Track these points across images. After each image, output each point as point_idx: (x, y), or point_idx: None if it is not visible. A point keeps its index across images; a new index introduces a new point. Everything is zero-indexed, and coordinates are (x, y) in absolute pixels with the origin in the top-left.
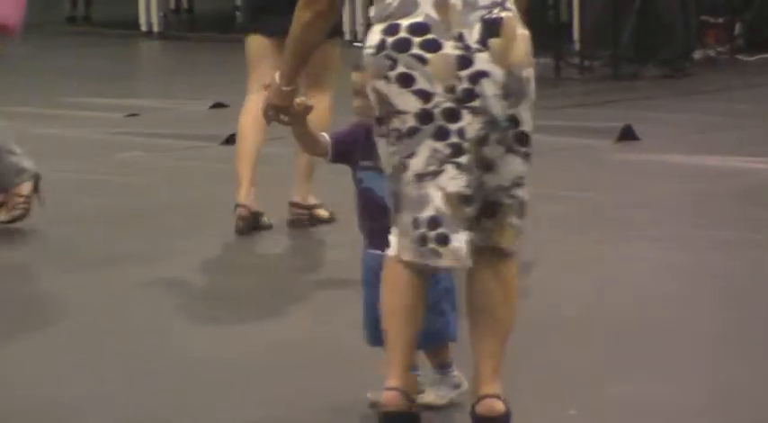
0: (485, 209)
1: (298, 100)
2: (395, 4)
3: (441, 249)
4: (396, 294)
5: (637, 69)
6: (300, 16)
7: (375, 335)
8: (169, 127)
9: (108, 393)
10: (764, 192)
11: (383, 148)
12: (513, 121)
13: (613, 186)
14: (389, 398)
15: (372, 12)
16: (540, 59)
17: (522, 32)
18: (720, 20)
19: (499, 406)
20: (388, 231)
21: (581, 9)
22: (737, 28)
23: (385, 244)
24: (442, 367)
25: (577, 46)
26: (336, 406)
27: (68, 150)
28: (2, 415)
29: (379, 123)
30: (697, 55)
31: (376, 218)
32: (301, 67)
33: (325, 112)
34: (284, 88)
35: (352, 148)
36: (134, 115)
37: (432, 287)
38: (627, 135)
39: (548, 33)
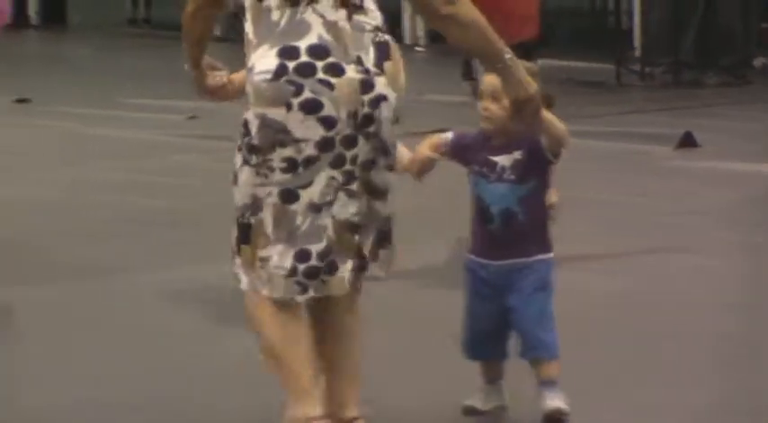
0: (380, 240)
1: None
2: (282, 23)
3: (328, 278)
4: (283, 334)
5: (697, 76)
6: (186, 8)
7: (475, 348)
8: (227, 129)
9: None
10: None
11: (248, 177)
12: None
13: (670, 192)
14: None
15: (250, 30)
16: (601, 65)
17: (401, 58)
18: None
19: None
20: (486, 239)
21: (642, 16)
22: None
23: (481, 251)
24: (544, 383)
25: (638, 52)
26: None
27: (125, 151)
28: (51, 415)
29: (251, 152)
30: (757, 62)
31: (480, 225)
32: (198, 54)
33: None
34: (192, 72)
35: (470, 150)
36: (193, 117)
37: (542, 295)
38: (687, 142)
39: (609, 39)
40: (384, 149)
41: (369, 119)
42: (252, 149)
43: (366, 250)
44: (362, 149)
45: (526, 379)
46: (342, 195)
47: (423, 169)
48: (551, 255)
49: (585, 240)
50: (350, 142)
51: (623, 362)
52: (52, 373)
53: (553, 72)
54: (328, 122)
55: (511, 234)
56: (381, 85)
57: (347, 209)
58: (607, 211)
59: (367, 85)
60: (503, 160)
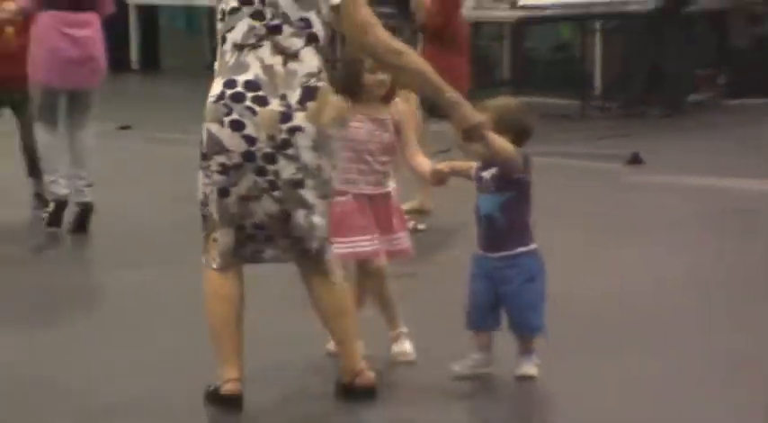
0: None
1: None
2: (231, 62)
3: (263, 249)
4: (222, 303)
5: (645, 110)
6: None
7: (472, 319)
8: None
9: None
10: (738, 204)
11: (201, 178)
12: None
13: (621, 197)
14: (234, 386)
15: (216, 67)
16: (569, 101)
17: (334, 100)
18: (708, 72)
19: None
20: (481, 237)
21: (602, 63)
22: (721, 78)
23: (480, 246)
24: (522, 353)
25: (598, 91)
26: None
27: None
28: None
29: (201, 158)
30: (691, 99)
31: (478, 226)
32: None
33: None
34: None
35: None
36: None
37: (530, 286)
38: (635, 160)
39: (576, 82)
40: (311, 173)
41: (287, 143)
42: (202, 156)
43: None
44: (285, 168)
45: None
46: (266, 196)
47: (440, 180)
48: (533, 246)
49: (557, 235)
50: (269, 158)
51: (587, 335)
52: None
53: (532, 106)
54: (249, 139)
55: (494, 233)
56: (299, 118)
57: (272, 207)
58: (570, 217)
59: (285, 117)
60: (486, 175)
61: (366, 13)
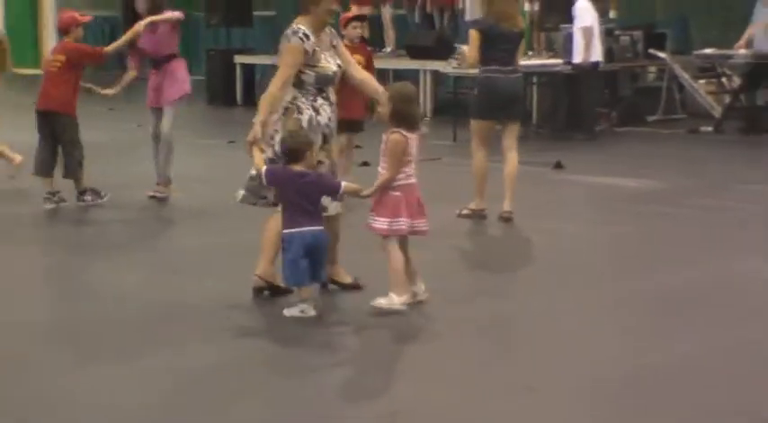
0: None
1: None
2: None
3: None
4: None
5: (567, 134)
6: (276, 88)
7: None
8: None
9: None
10: (624, 195)
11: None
12: None
13: (547, 191)
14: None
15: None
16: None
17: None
18: (605, 110)
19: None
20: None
21: (538, 101)
22: (613, 114)
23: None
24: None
25: (535, 120)
26: None
27: None
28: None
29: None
30: (598, 127)
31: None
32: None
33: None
34: (261, 127)
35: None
36: (233, 142)
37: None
38: (558, 165)
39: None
40: None
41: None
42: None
43: None
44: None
45: None
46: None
47: None
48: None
49: (518, 214)
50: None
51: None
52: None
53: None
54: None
55: None
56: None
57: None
58: (523, 199)
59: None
60: None
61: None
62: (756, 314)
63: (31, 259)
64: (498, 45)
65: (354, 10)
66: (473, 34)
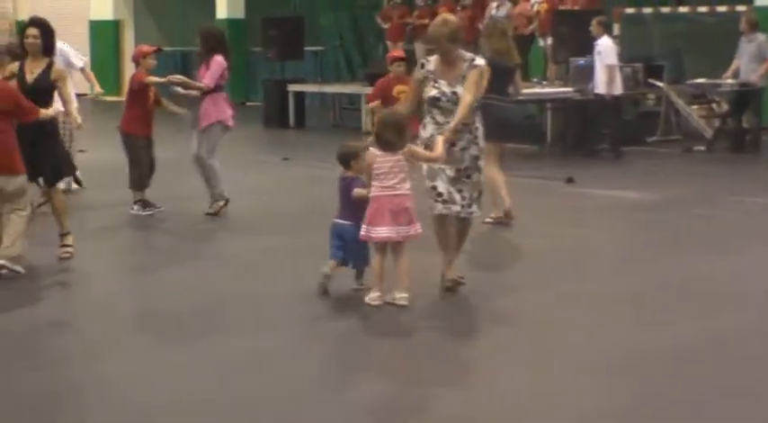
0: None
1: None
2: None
3: (450, 205)
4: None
5: (574, 152)
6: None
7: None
8: None
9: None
10: (628, 205)
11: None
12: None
13: (560, 202)
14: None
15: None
16: (532, 147)
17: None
18: (609, 131)
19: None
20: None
21: (552, 124)
22: (617, 135)
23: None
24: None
25: (549, 140)
26: None
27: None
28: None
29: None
30: (600, 147)
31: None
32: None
33: None
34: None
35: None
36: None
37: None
38: (570, 180)
39: (537, 135)
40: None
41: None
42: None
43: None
44: (465, 163)
45: None
46: (463, 179)
47: None
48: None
49: (532, 221)
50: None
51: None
52: None
53: (509, 150)
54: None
55: None
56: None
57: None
58: (538, 208)
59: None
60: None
61: None
62: (740, 304)
63: (118, 257)
64: (495, 77)
65: (393, 49)
66: None
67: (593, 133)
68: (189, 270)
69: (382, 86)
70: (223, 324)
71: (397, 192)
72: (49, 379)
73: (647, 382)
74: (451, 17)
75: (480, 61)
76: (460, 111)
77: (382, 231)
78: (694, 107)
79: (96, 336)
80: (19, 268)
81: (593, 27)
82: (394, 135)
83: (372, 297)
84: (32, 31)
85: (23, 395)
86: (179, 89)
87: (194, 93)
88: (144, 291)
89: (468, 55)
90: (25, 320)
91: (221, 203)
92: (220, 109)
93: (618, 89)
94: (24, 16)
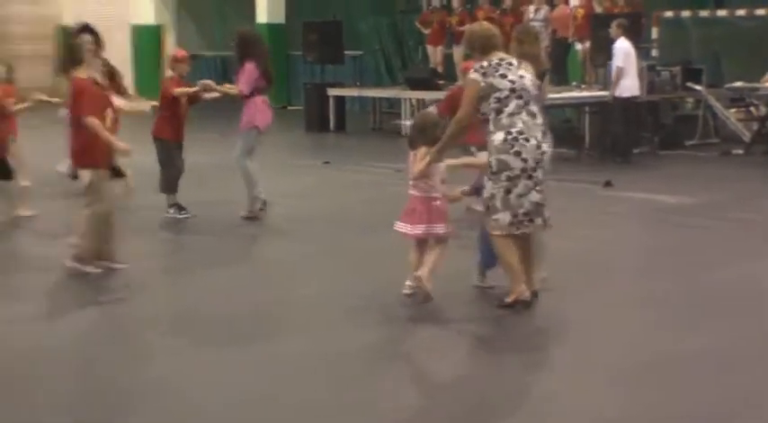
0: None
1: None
2: (505, 122)
3: (529, 224)
4: (510, 250)
5: (613, 157)
6: (461, 120)
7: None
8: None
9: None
10: (665, 209)
11: (490, 185)
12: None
13: (599, 203)
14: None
15: (491, 126)
16: (571, 151)
17: None
18: (648, 135)
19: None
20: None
21: (590, 127)
22: (655, 139)
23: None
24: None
25: (587, 144)
26: None
27: (367, 184)
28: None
29: (493, 174)
30: (638, 151)
31: None
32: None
33: None
34: (439, 158)
35: None
36: (327, 163)
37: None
38: (608, 184)
39: (573, 139)
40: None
41: (540, 161)
42: (492, 173)
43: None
44: (540, 175)
45: None
46: (533, 192)
47: None
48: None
49: (568, 224)
50: (534, 170)
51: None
52: None
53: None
54: (524, 160)
55: None
56: (545, 147)
57: (535, 197)
58: (575, 211)
59: (539, 146)
60: None
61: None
62: None
63: (159, 258)
64: None
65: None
66: None
67: (620, 138)
68: (230, 273)
69: (454, 96)
70: (275, 327)
71: (414, 192)
72: (95, 382)
73: (669, 387)
74: (475, 25)
75: (471, 74)
76: (449, 128)
77: (406, 228)
78: (732, 111)
79: (145, 339)
80: (91, 269)
81: (612, 29)
82: (414, 132)
83: (407, 284)
84: (87, 37)
85: (90, 393)
86: (213, 94)
87: (233, 91)
88: (191, 294)
89: (477, 64)
90: (72, 325)
91: (258, 206)
92: (252, 114)
93: (630, 90)
94: (69, 21)
